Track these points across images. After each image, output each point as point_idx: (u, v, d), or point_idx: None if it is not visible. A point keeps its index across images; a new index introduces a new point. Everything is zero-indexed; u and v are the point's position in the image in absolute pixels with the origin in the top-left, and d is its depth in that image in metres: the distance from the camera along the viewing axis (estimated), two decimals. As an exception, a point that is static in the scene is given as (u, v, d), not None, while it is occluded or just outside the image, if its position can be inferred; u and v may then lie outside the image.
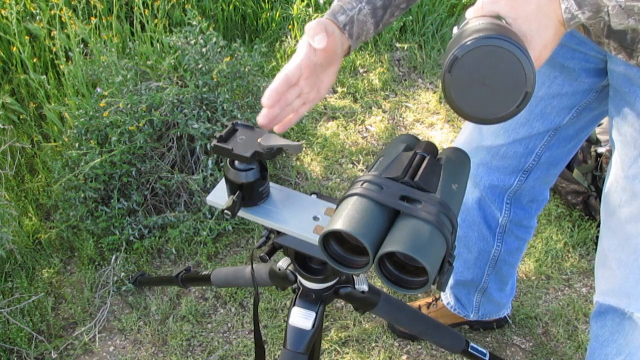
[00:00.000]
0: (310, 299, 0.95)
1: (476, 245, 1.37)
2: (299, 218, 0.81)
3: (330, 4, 3.00)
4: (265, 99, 0.76)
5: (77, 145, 1.78)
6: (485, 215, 1.31)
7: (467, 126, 1.24)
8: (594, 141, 1.85)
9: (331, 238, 0.66)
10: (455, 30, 0.70)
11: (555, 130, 1.11)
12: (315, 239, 0.77)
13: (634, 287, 0.95)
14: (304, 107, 0.83)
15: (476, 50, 0.59)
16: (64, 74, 1.99)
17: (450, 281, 1.51)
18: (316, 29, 0.76)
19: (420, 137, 0.83)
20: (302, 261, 0.91)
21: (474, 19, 0.67)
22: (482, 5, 0.67)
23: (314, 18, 2.60)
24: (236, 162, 0.78)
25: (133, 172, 1.77)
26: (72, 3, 2.13)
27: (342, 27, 0.81)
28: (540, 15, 0.65)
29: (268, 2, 2.66)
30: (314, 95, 0.82)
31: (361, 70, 2.60)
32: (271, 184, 0.84)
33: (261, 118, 0.77)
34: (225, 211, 0.77)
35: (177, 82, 1.89)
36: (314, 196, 0.85)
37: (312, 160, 2.16)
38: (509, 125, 1.13)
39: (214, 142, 0.77)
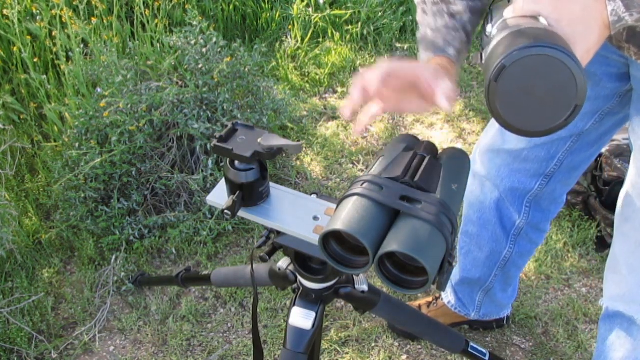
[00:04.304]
0: (310, 299, 0.95)
1: (488, 245, 1.36)
2: (299, 218, 0.81)
3: (329, 5, 2.95)
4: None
5: (77, 145, 1.78)
6: (502, 217, 1.30)
7: (491, 128, 1.22)
8: (594, 141, 1.85)
9: (331, 238, 0.66)
10: (489, 28, 0.66)
11: (579, 136, 1.09)
12: (315, 239, 0.77)
13: None
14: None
15: (526, 59, 0.56)
16: (64, 74, 1.99)
17: (456, 277, 1.51)
18: (451, 95, 0.71)
19: (420, 137, 0.82)
20: (302, 261, 0.91)
21: (513, 19, 0.63)
22: (523, 4, 0.63)
23: (314, 18, 2.60)
24: (236, 162, 0.78)
25: (133, 172, 1.77)
26: (73, 3, 2.13)
27: (455, 60, 0.80)
28: (585, 18, 0.61)
29: (268, 2, 2.66)
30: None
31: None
32: (271, 184, 0.84)
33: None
34: (225, 211, 0.77)
35: (177, 82, 1.89)
36: (314, 196, 0.85)
37: (312, 160, 2.16)
38: None
39: (214, 142, 0.77)
